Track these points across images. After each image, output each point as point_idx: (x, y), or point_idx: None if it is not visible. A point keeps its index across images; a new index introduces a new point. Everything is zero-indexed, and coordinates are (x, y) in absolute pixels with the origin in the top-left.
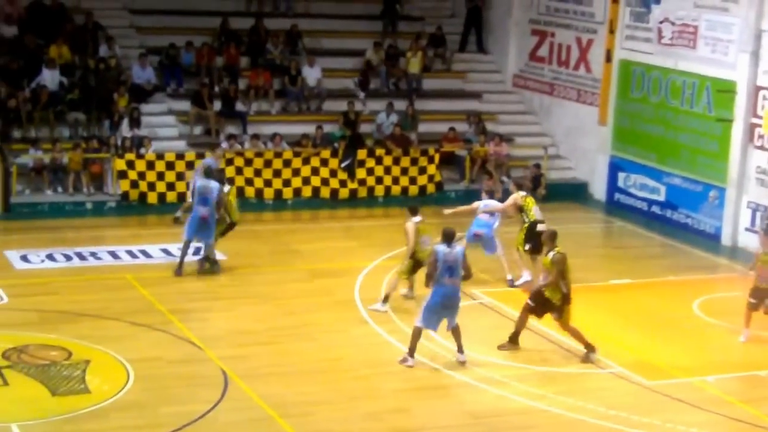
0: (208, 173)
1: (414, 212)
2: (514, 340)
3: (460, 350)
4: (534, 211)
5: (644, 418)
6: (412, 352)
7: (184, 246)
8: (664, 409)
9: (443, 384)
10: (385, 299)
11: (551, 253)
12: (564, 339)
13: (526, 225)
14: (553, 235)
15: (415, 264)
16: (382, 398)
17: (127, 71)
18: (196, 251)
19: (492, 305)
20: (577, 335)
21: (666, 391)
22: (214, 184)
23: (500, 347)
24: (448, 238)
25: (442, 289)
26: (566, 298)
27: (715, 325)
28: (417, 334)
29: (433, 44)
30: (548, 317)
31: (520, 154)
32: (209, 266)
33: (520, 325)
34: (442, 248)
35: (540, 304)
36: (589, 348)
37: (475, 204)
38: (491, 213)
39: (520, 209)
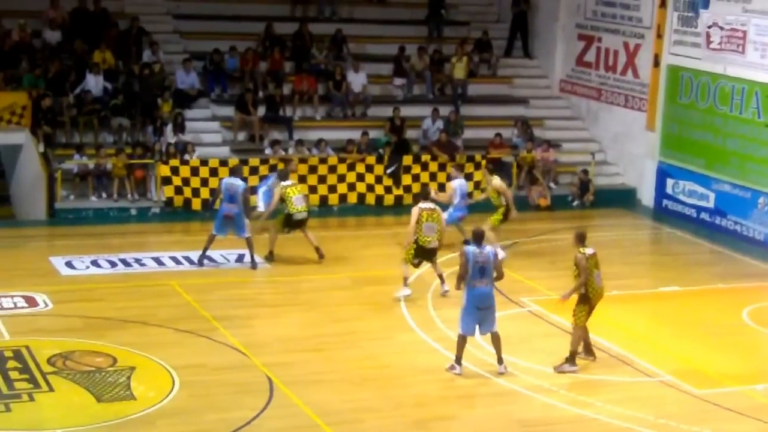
0: (234, 171)
1: (425, 197)
2: (587, 350)
3: (500, 361)
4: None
5: (693, 427)
6: (459, 359)
7: (209, 239)
8: (713, 418)
9: (491, 392)
10: (405, 282)
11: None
12: (612, 346)
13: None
14: (581, 237)
15: (419, 249)
16: (429, 406)
17: (171, 76)
18: (239, 258)
19: (540, 313)
20: (577, 338)
21: (715, 399)
22: (239, 182)
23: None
24: (478, 238)
25: (475, 291)
26: (584, 299)
27: (765, 334)
28: (461, 342)
29: (478, 49)
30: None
31: (568, 160)
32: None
33: (585, 335)
34: (471, 249)
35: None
36: (572, 358)
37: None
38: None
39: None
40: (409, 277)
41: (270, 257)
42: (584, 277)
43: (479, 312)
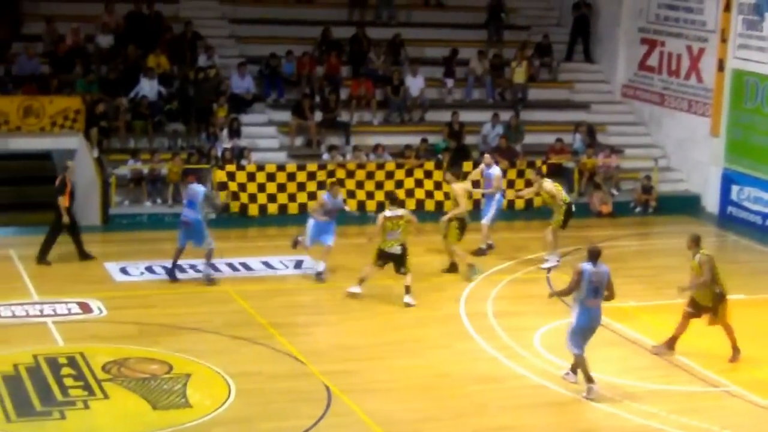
0: (198, 178)
1: (392, 202)
2: (670, 345)
3: (590, 380)
4: None
5: None
6: (590, 379)
7: (177, 252)
8: None
9: (553, 401)
10: (360, 282)
11: (698, 256)
12: (676, 355)
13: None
14: (697, 239)
15: (380, 252)
16: (490, 415)
17: (227, 81)
18: (298, 264)
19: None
20: (730, 334)
21: None
22: (199, 188)
23: (654, 351)
24: (594, 256)
25: (589, 311)
26: (720, 297)
27: None
28: (582, 362)
29: (539, 53)
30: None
31: (630, 166)
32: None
33: (680, 330)
34: (588, 267)
35: (695, 308)
36: (735, 351)
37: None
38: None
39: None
40: (366, 278)
41: (452, 268)
42: (708, 277)
43: (590, 332)
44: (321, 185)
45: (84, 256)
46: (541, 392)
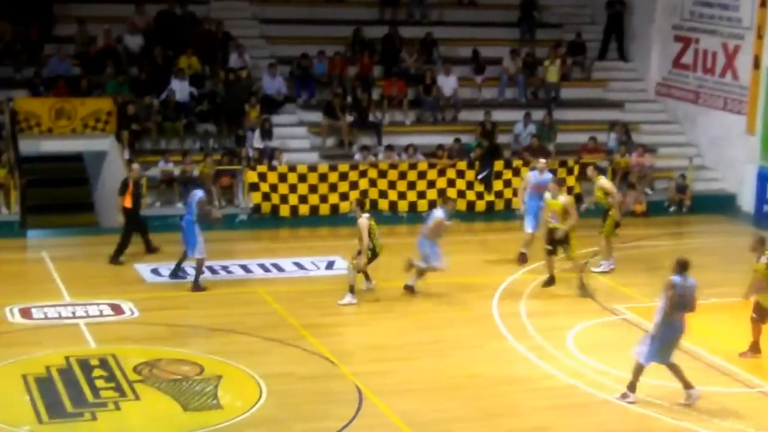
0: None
1: (362, 207)
2: (754, 349)
3: (688, 386)
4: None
5: None
6: (633, 386)
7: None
8: None
9: (584, 402)
10: (351, 290)
11: (763, 258)
12: (710, 356)
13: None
14: (762, 240)
15: (373, 256)
16: (522, 416)
17: (258, 82)
18: (329, 265)
19: (634, 321)
20: None
21: None
22: (196, 193)
23: (742, 355)
24: (683, 268)
25: (674, 323)
26: None
27: None
28: (640, 370)
29: (572, 52)
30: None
31: (664, 165)
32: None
33: (756, 334)
34: (678, 280)
35: (760, 314)
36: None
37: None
38: None
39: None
40: (355, 285)
41: (550, 282)
42: None
43: (676, 345)
44: (353, 185)
45: (150, 249)
46: (573, 393)
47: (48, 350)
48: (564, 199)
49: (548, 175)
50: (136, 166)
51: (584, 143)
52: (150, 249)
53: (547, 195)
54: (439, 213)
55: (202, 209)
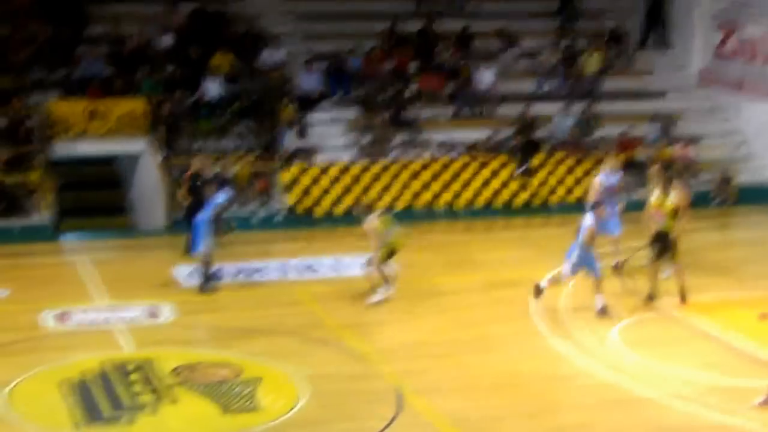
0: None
1: (368, 210)
2: None
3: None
4: None
5: None
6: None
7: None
8: None
9: (627, 398)
10: (384, 283)
11: None
12: (757, 350)
13: None
14: None
15: (390, 253)
16: (564, 413)
17: (293, 79)
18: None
19: (678, 316)
20: None
21: None
22: (221, 195)
23: None
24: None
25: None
26: None
27: None
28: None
29: (612, 42)
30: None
31: (708, 155)
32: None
33: None
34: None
35: None
36: None
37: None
38: None
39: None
40: (386, 281)
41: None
42: None
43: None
44: (390, 183)
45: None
46: (616, 389)
47: (85, 354)
48: (676, 196)
49: (619, 175)
50: (197, 158)
51: (619, 137)
52: (188, 249)
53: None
54: (589, 220)
55: (220, 212)
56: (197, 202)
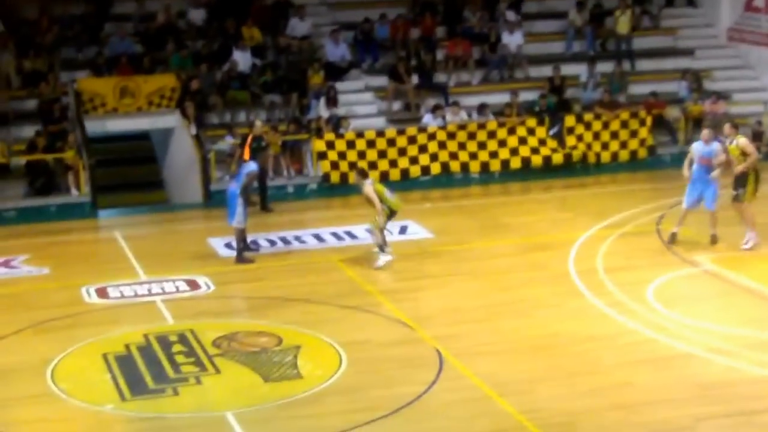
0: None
1: (364, 175)
2: None
3: None
4: None
5: None
6: None
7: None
8: None
9: (667, 355)
10: (382, 249)
11: None
12: None
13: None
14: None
15: (391, 214)
16: (604, 373)
17: (321, 49)
18: (402, 230)
19: (715, 271)
20: None
21: None
22: (249, 166)
23: None
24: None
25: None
26: None
27: None
28: None
29: (639, 0)
30: None
31: (738, 111)
32: (238, 253)
33: None
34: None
35: None
36: None
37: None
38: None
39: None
40: (385, 243)
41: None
42: None
43: None
44: (422, 149)
45: (264, 208)
46: (655, 347)
47: (126, 328)
48: (740, 141)
49: (715, 145)
50: (258, 122)
51: (645, 97)
52: (264, 207)
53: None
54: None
55: (250, 182)
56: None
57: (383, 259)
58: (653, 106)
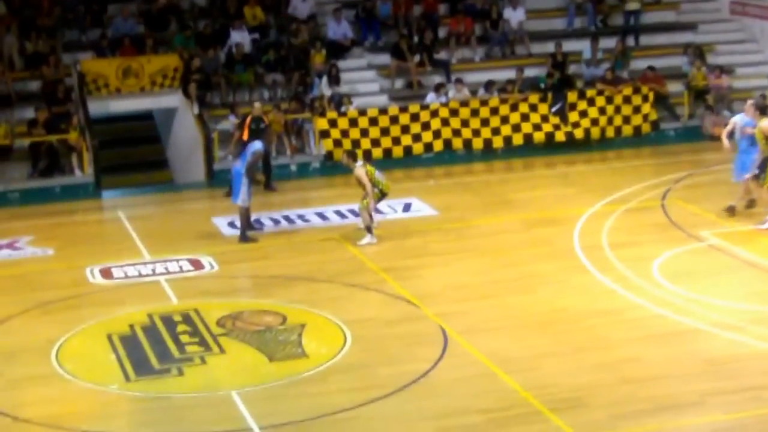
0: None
1: (354, 157)
2: None
3: None
4: None
5: None
6: None
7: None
8: None
9: (674, 330)
10: (369, 230)
11: None
12: None
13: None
14: None
15: (382, 196)
16: (611, 348)
17: (323, 27)
18: (406, 207)
19: (721, 246)
20: None
21: None
22: (256, 142)
23: None
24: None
25: None
26: None
27: None
28: None
29: None
30: None
31: (742, 85)
32: (242, 232)
33: None
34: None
35: None
36: None
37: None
38: None
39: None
40: (372, 225)
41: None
42: None
43: None
44: (425, 126)
45: (268, 186)
46: (661, 322)
47: (131, 308)
48: (763, 124)
49: (753, 122)
50: (257, 104)
51: (644, 72)
52: (268, 186)
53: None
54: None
55: (256, 161)
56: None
57: (367, 239)
58: (651, 80)
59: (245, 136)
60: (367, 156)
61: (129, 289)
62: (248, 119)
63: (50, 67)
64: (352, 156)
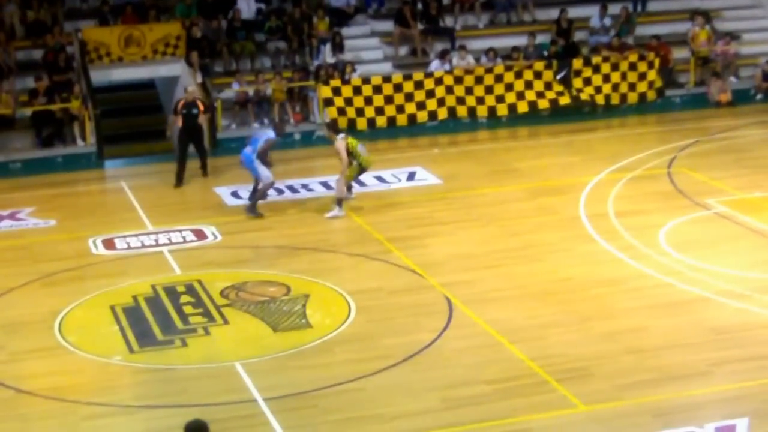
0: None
1: (336, 130)
2: None
3: None
4: None
5: None
6: None
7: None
8: None
9: (681, 300)
10: (339, 203)
11: None
12: None
13: None
14: None
15: (361, 170)
16: (616, 318)
17: None
18: (410, 176)
19: (727, 214)
20: None
21: None
22: (267, 133)
23: None
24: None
25: None
26: None
27: None
28: None
29: None
30: None
31: (749, 51)
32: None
33: None
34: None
35: None
36: None
37: None
38: None
39: None
40: (343, 198)
41: None
42: None
43: None
44: (429, 93)
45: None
46: (668, 291)
47: (134, 279)
48: None
49: None
50: (191, 88)
51: (648, 42)
52: (204, 172)
53: None
54: None
55: (267, 148)
56: (190, 130)
57: (334, 212)
58: (656, 49)
59: (179, 123)
60: (371, 124)
61: (132, 260)
62: (180, 104)
63: (53, 36)
64: (334, 128)
